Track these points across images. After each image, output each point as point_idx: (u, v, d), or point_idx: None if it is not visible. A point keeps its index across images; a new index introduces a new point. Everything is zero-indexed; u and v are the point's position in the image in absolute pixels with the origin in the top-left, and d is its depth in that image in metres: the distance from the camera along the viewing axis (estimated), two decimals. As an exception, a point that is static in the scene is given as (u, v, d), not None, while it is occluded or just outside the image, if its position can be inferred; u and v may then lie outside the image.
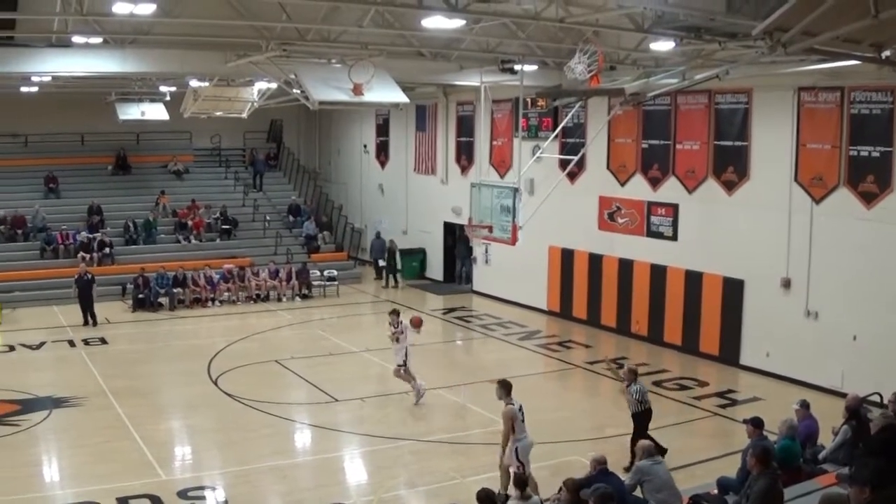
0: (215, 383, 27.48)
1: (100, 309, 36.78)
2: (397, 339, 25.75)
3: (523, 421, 17.81)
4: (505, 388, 18.16)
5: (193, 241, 45.59)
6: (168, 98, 41.51)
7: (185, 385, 27.69)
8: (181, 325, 36.78)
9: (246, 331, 34.88)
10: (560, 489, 14.41)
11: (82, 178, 48.97)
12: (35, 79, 35.52)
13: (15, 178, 47.96)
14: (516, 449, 17.57)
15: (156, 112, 42.20)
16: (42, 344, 33.14)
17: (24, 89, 40.49)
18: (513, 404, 17.87)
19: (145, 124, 45.54)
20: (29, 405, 25.41)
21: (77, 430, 23.53)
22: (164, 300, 39.53)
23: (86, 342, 33.34)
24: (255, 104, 36.92)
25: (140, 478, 19.65)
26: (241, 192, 50.38)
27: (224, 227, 46.69)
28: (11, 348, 32.75)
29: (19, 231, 44.01)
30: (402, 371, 25.74)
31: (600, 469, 15.26)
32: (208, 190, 50.15)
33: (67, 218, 45.03)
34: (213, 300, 40.31)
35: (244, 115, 38.38)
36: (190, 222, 46.28)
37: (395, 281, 45.00)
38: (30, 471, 20.79)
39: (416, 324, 26.05)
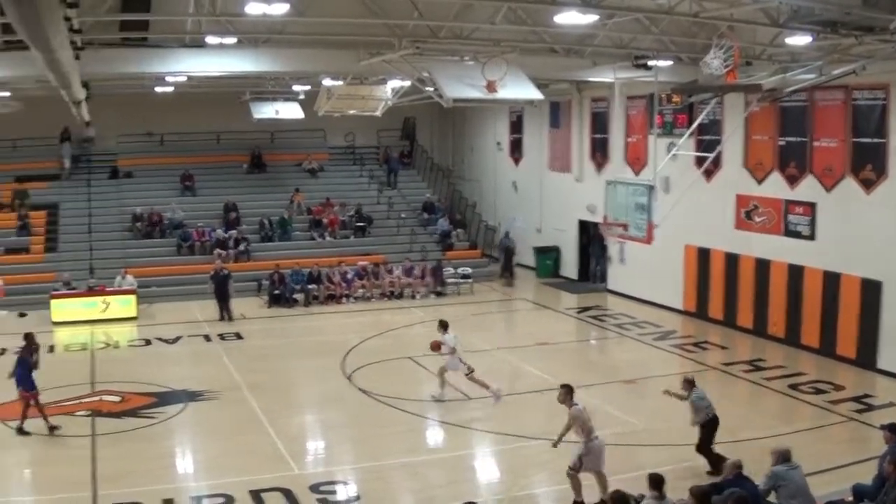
0: (349, 379, 27.79)
1: (236, 304, 37.61)
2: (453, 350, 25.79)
3: (590, 420, 17.91)
4: (567, 391, 18.19)
5: (328, 238, 46.18)
6: (302, 97, 42.07)
7: (319, 380, 28.08)
8: (315, 321, 37.26)
9: (380, 327, 35.17)
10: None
11: (218, 177, 50.01)
12: (170, 79, 36.26)
13: (152, 176, 49.15)
14: (583, 449, 17.68)
15: (290, 111, 42.83)
16: (178, 338, 33.97)
17: (159, 89, 41.36)
18: (577, 405, 17.94)
19: (279, 123, 46.33)
20: (165, 398, 26.08)
21: (211, 423, 24.13)
22: (299, 296, 40.08)
23: (221, 337, 34.12)
24: (389, 102, 37.22)
25: (273, 471, 20.05)
26: (376, 190, 50.81)
27: (358, 224, 47.16)
28: (148, 342, 33.63)
29: (156, 228, 45.07)
30: (472, 377, 25.67)
31: (736, 473, 15.15)
32: (343, 188, 50.70)
33: (203, 215, 46.02)
34: (347, 297, 40.73)
35: (378, 114, 38.72)
36: (325, 220, 46.86)
37: (511, 278, 44.93)
38: (164, 462, 21.31)
39: (434, 347, 26.19)
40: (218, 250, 43.00)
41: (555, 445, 18.26)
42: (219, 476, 19.98)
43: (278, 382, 27.69)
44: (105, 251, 43.25)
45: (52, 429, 23.20)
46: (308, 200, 48.52)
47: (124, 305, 37.79)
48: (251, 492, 18.74)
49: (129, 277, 39.01)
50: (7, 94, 40.74)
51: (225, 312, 37.17)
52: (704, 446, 19.53)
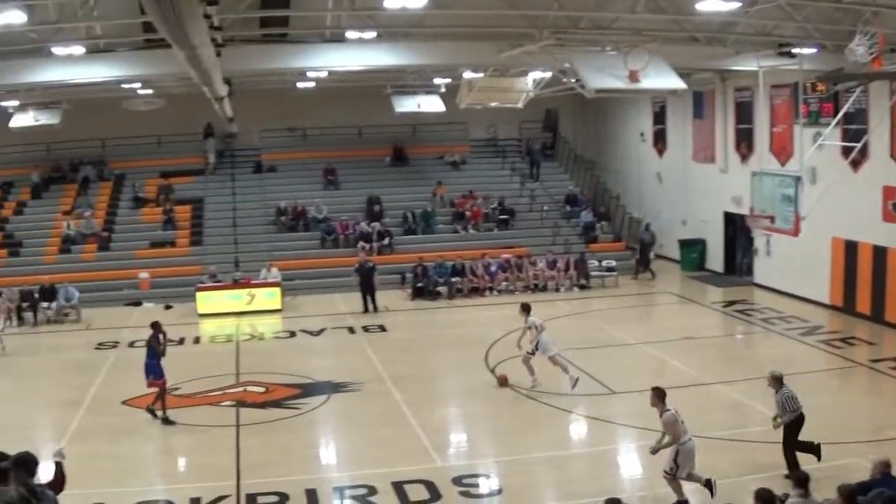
0: (492, 372, 27.76)
1: (379, 297, 38.02)
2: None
3: (683, 423, 17.68)
4: (659, 395, 17.97)
5: (471, 230, 46.38)
6: (443, 90, 42.26)
7: (462, 373, 28.13)
8: (458, 313, 37.45)
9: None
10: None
11: (360, 170, 50.50)
12: (311, 74, 36.81)
13: (295, 170, 50.04)
14: (677, 451, 17.45)
15: (431, 104, 42.98)
16: (322, 330, 34.53)
17: (300, 84, 42.01)
18: (669, 410, 17.65)
19: (421, 116, 46.63)
20: (309, 389, 26.54)
21: (354, 414, 24.47)
22: (442, 289, 40.39)
23: (365, 329, 34.54)
24: (530, 94, 37.20)
25: (415, 463, 20.21)
26: (518, 183, 50.87)
27: (501, 217, 47.24)
28: (293, 334, 34.27)
29: (300, 221, 45.73)
30: (528, 360, 26.00)
31: (883, 473, 14.83)
32: (485, 180, 50.85)
33: (346, 209, 46.67)
34: (490, 290, 40.82)
35: (519, 105, 38.71)
36: (467, 212, 47.06)
37: (644, 272, 44.32)
38: (307, 453, 21.76)
39: (503, 382, 26.26)
40: (361, 243, 43.57)
41: (653, 453, 17.99)
42: (361, 467, 20.25)
43: (421, 374, 27.91)
44: (250, 244, 44.17)
45: (167, 421, 23.76)
46: (450, 193, 48.78)
47: (269, 298, 38.55)
48: (393, 483, 18.90)
49: (274, 270, 39.78)
50: (150, 91, 41.79)
51: (370, 305, 37.62)
52: (788, 447, 18.92)
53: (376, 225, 45.39)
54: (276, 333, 35.18)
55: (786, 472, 18.22)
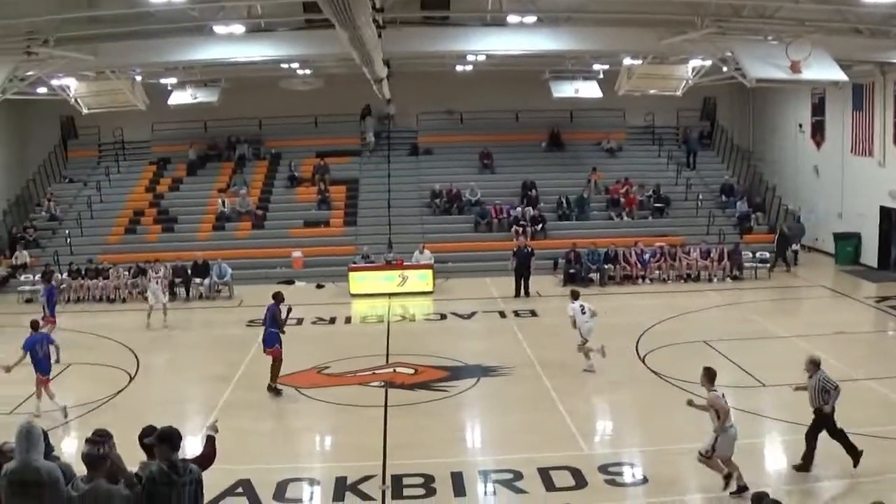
0: (643, 361, 27.79)
1: (532, 282, 38.18)
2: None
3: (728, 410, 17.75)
4: (707, 375, 18.21)
5: (625, 218, 46.27)
6: (601, 76, 42.22)
7: (612, 361, 27.72)
8: (610, 301, 37.02)
9: (674, 310, 34.94)
10: None
11: (516, 155, 50.70)
12: (470, 57, 37.01)
13: (451, 153, 50.44)
14: (716, 438, 17.60)
15: (589, 90, 43.02)
16: (473, 314, 34.92)
17: (459, 68, 42.29)
18: (716, 391, 17.81)
19: (578, 101, 46.46)
20: (457, 372, 26.84)
21: (502, 398, 24.67)
22: (594, 276, 40.36)
23: (516, 314, 34.80)
24: (689, 82, 36.98)
25: (562, 450, 20.27)
26: (674, 171, 50.51)
27: (657, 205, 47.07)
28: (443, 317, 34.72)
29: (454, 205, 46.05)
30: (581, 347, 26.79)
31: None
32: (641, 167, 50.72)
33: (501, 193, 46.91)
34: (643, 278, 40.79)
35: (678, 93, 38.52)
36: (622, 199, 46.89)
37: (783, 265, 43.58)
38: (454, 436, 22.01)
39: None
40: (515, 228, 43.74)
41: (716, 434, 17.83)
42: (507, 451, 20.40)
43: (571, 361, 27.86)
44: (403, 226, 44.74)
45: (275, 390, 24.62)
46: (606, 180, 48.71)
47: (421, 280, 39.08)
48: (539, 469, 18.94)
49: (427, 252, 40.20)
50: (308, 71, 42.51)
51: (523, 289, 37.75)
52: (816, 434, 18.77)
53: (530, 210, 45.52)
54: (426, 315, 35.64)
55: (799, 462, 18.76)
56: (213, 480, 12.23)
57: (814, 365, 19.07)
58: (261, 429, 22.48)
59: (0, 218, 47.37)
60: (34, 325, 23.99)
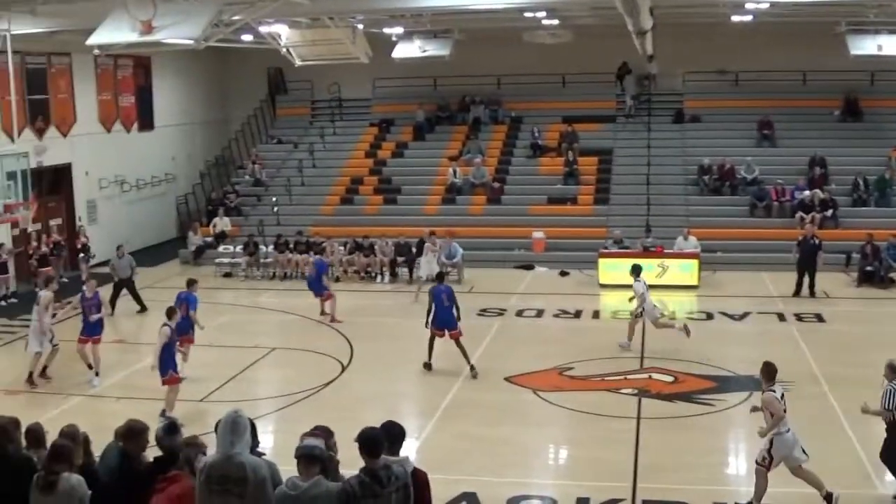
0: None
1: (819, 279, 36.89)
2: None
3: (785, 411, 17.93)
4: (766, 371, 18.47)
5: (938, 205, 44.22)
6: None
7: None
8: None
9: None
10: None
11: (802, 124, 49.70)
12: (749, 6, 35.87)
13: (723, 121, 49.68)
14: (771, 441, 17.83)
15: (896, 46, 41.27)
16: (746, 314, 34.13)
17: (735, 18, 41.03)
18: (773, 391, 18.03)
19: (882, 61, 44.50)
20: (726, 384, 26.20)
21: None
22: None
23: (798, 317, 33.76)
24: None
25: (851, 487, 19.12)
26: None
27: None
28: (710, 316, 34.02)
29: (726, 183, 44.97)
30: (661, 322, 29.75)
31: None
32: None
33: (783, 170, 45.71)
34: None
35: None
36: (934, 182, 44.90)
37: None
38: (717, 458, 21.50)
39: None
40: (800, 213, 42.36)
41: (762, 436, 18.11)
42: (782, 483, 18.88)
43: (866, 378, 26.48)
44: (664, 206, 44.17)
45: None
46: (910, 158, 46.72)
47: (684, 271, 38.45)
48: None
49: (692, 239, 39.47)
50: (556, 22, 41.84)
51: (807, 287, 36.51)
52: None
53: (817, 192, 43.95)
54: (689, 313, 34.74)
55: None
56: (435, 492, 11.82)
57: (892, 370, 19.08)
58: (491, 435, 22.46)
59: (198, 181, 48.38)
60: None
